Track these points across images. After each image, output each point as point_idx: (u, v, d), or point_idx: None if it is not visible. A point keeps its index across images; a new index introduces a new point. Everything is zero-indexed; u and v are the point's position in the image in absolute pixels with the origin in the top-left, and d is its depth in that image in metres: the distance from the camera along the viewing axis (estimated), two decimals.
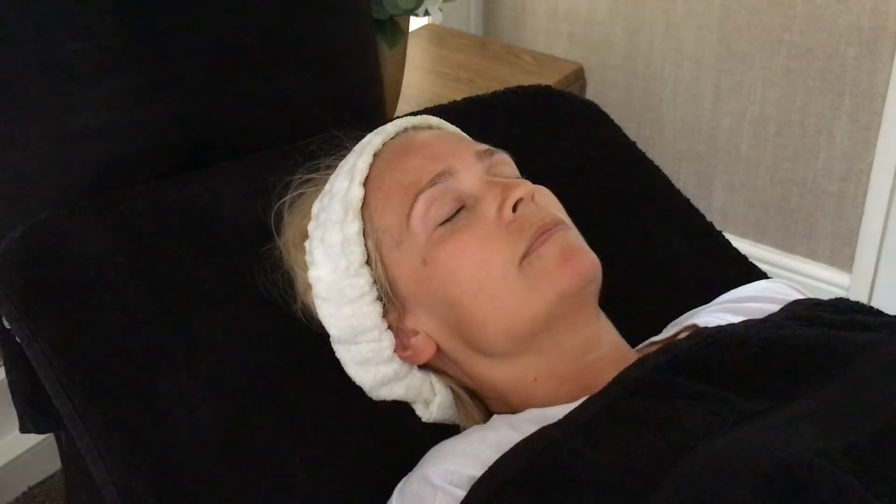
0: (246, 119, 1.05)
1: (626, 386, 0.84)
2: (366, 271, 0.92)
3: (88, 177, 1.01)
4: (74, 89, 1.00)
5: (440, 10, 2.02)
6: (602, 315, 0.94)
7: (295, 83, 1.10)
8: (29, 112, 1.01)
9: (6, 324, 0.92)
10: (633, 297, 1.08)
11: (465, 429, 0.95)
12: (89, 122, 1.01)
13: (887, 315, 0.95)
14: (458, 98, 1.25)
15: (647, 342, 1.00)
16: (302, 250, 0.96)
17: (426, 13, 2.00)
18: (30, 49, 0.90)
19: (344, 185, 0.94)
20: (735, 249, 1.19)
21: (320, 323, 0.94)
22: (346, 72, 1.17)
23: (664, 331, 1.01)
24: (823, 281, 2.11)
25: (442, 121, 1.04)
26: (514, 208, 0.90)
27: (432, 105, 1.21)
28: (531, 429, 0.83)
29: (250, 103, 1.03)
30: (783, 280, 1.10)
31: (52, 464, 1.85)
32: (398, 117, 1.02)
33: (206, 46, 1.02)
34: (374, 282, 0.92)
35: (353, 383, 0.94)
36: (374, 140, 0.97)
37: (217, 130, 1.06)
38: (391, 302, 0.93)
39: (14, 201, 0.99)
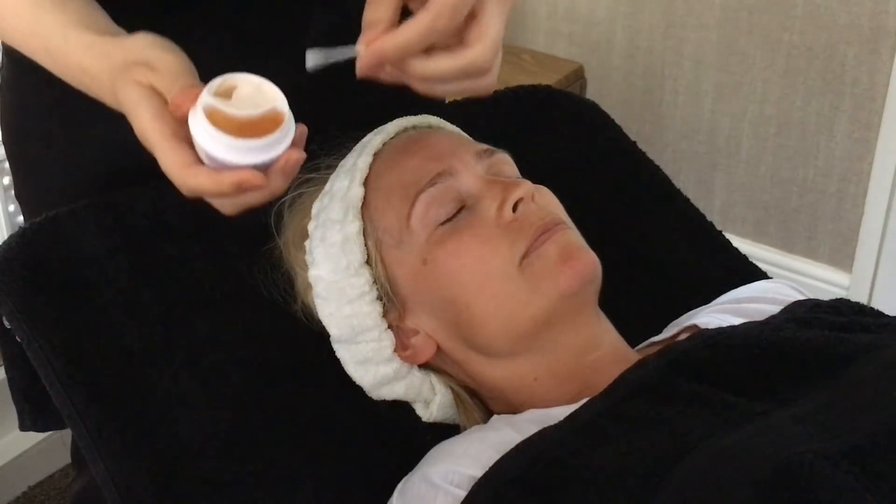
0: (323, 132, 1.05)
1: (626, 387, 0.84)
2: (366, 271, 0.92)
3: (138, 183, 1.01)
4: None
5: None
6: (602, 315, 0.94)
7: (372, 103, 1.10)
8: (81, 118, 1.01)
9: (6, 324, 0.92)
10: (633, 298, 1.08)
11: (465, 429, 0.95)
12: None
13: (887, 316, 0.95)
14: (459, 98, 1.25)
15: (647, 342, 1.00)
16: (302, 250, 0.96)
17: None
18: None
19: (344, 184, 0.94)
20: (735, 249, 1.19)
21: (320, 322, 0.94)
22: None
23: (664, 331, 1.01)
24: (823, 281, 2.11)
25: (442, 120, 1.04)
26: (515, 208, 0.90)
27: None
28: (532, 429, 0.83)
29: (325, 119, 1.02)
30: (783, 280, 1.09)
31: (52, 464, 1.85)
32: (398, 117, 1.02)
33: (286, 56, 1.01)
34: (375, 281, 0.92)
35: (354, 383, 0.94)
36: (374, 140, 0.97)
37: None
38: (391, 301, 0.92)
39: (66, 200, 0.99)
